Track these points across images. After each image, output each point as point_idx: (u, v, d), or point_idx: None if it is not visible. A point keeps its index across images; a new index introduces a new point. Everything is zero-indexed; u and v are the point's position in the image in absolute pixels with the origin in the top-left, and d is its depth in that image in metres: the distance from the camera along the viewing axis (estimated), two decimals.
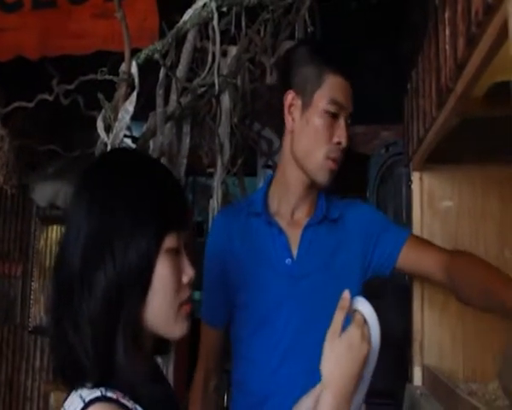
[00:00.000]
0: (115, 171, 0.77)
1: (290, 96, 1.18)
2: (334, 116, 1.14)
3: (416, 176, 1.49)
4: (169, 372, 2.76)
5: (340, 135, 1.14)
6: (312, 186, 1.20)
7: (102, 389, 0.70)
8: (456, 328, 1.41)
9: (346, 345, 0.79)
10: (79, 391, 0.71)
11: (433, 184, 1.46)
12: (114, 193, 0.74)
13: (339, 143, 1.14)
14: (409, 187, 1.62)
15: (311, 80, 1.15)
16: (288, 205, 1.21)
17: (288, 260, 1.17)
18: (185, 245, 0.78)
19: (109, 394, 0.70)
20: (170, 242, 0.74)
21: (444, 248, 1.22)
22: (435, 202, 1.45)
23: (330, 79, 1.14)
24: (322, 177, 1.16)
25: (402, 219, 2.33)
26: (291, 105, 1.19)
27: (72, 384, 0.73)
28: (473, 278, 1.11)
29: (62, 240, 0.75)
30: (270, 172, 1.33)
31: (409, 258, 1.20)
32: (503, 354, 1.03)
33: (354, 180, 2.17)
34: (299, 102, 1.17)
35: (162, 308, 0.74)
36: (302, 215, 1.21)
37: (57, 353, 0.74)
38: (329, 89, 1.14)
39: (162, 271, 0.73)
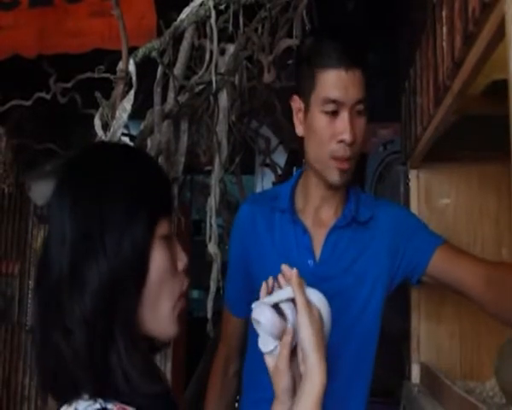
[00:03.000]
0: (100, 160, 0.73)
1: (296, 101, 1.14)
2: (333, 113, 1.07)
3: (413, 174, 1.49)
4: (167, 371, 2.76)
5: (343, 131, 1.06)
6: (332, 187, 1.14)
7: (101, 401, 0.65)
8: (453, 326, 1.41)
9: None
10: (74, 404, 0.65)
11: (431, 182, 1.47)
12: (102, 183, 0.70)
13: (341, 141, 1.07)
14: (406, 185, 1.62)
15: (307, 82, 1.10)
16: (313, 206, 1.17)
17: (310, 262, 1.14)
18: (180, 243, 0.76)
19: (109, 406, 0.65)
20: (162, 228, 0.71)
21: (482, 258, 1.14)
22: (433, 200, 1.45)
23: (322, 76, 1.07)
24: (332, 177, 1.10)
25: None
26: (298, 110, 1.14)
27: (62, 398, 0.67)
28: None
29: (46, 240, 0.70)
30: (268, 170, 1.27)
31: (440, 267, 1.12)
32: (501, 352, 1.04)
33: (352, 178, 2.16)
34: (302, 106, 1.13)
35: (159, 300, 0.70)
36: (328, 215, 1.16)
37: (44, 364, 0.68)
38: (322, 88, 1.07)
39: (158, 259, 0.70)
